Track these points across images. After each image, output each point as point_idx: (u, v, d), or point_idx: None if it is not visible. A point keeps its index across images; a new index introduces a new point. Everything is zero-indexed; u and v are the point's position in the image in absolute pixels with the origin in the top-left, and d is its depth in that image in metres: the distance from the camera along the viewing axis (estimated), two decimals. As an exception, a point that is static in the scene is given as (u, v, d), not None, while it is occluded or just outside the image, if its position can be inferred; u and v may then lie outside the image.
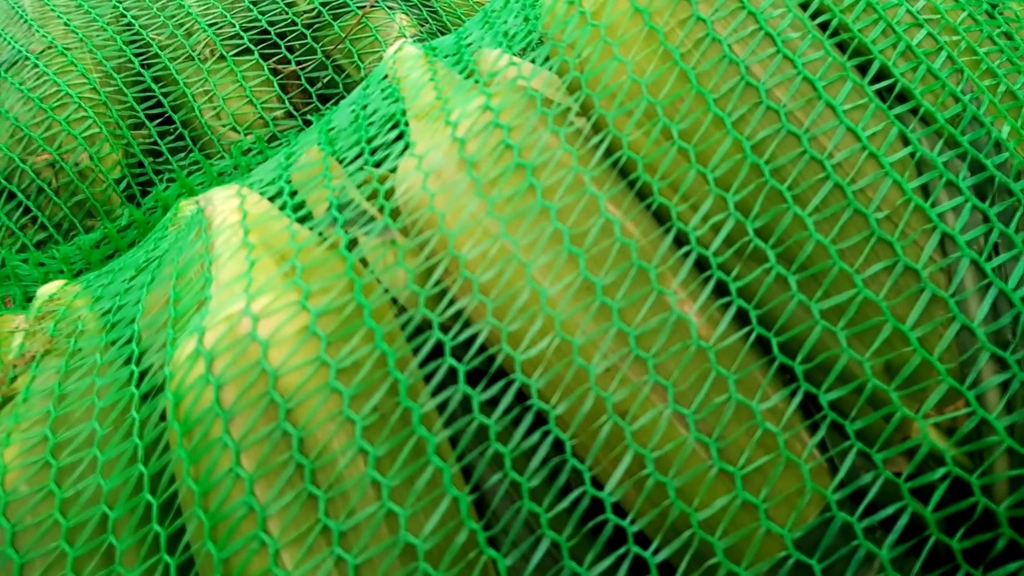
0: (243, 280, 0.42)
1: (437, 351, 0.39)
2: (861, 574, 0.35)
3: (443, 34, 0.77)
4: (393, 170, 0.46)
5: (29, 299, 0.65)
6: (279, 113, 0.70)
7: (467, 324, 0.40)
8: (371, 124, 0.51)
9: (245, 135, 0.68)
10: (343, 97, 0.70)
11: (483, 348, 0.39)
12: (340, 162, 0.49)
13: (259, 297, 0.40)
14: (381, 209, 0.44)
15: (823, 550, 0.35)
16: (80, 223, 0.67)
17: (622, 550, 0.35)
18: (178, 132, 0.70)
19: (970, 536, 0.35)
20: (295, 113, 0.70)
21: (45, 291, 0.56)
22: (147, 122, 0.69)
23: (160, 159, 0.70)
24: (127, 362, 0.45)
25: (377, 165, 0.47)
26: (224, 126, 0.68)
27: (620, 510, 0.36)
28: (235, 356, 0.38)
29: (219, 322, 0.39)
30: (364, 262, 0.42)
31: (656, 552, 0.35)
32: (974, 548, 0.35)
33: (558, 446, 0.38)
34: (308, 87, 0.70)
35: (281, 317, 0.39)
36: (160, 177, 0.68)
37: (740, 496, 0.35)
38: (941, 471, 0.35)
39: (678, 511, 0.36)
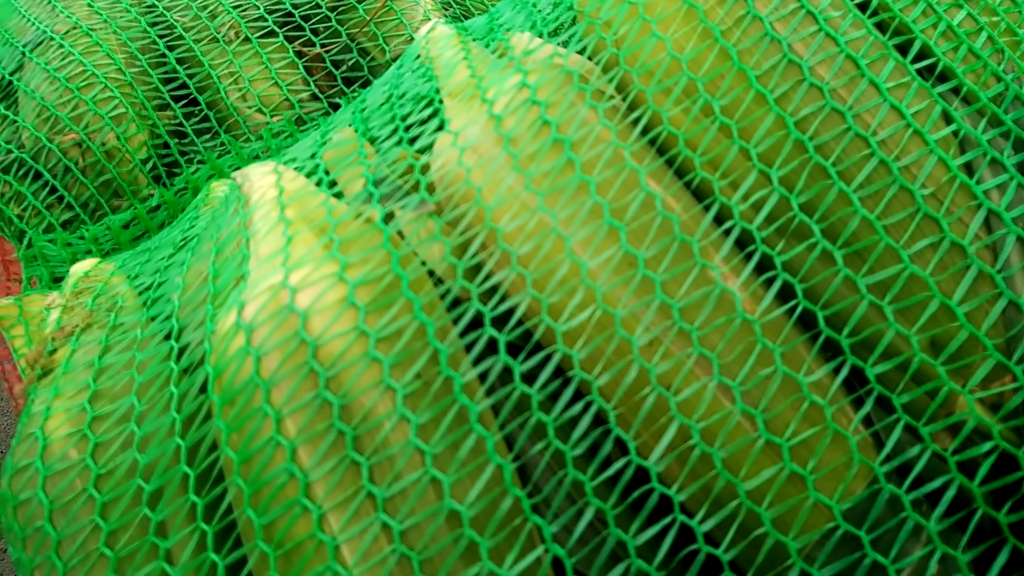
0: (281, 254, 0.41)
1: (475, 323, 0.39)
2: (909, 547, 0.34)
3: (466, 18, 0.76)
4: (428, 147, 0.46)
5: (56, 280, 0.64)
6: (304, 96, 0.70)
7: (505, 296, 0.39)
8: (405, 103, 0.50)
9: (272, 117, 0.68)
10: (368, 81, 0.70)
11: (522, 320, 0.38)
12: (374, 140, 0.49)
13: (297, 269, 0.39)
14: (417, 184, 0.44)
15: (871, 522, 0.34)
16: (107, 203, 0.66)
17: (667, 519, 0.35)
18: (203, 114, 0.69)
19: (1016, 511, 0.34)
20: (320, 96, 0.70)
21: (79, 269, 0.56)
22: (172, 103, 0.69)
23: (186, 140, 0.69)
24: (167, 337, 0.44)
25: (412, 142, 0.47)
26: (250, 108, 0.68)
27: (663, 484, 0.36)
28: (274, 327, 0.37)
29: (258, 294, 0.39)
30: (400, 235, 0.42)
31: (702, 522, 0.34)
32: (1020, 523, 0.34)
33: (599, 419, 0.37)
34: (333, 70, 0.70)
35: (320, 288, 0.38)
36: (186, 158, 0.68)
37: (787, 467, 0.35)
38: (988, 445, 0.35)
39: (724, 482, 0.35)
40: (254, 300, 0.38)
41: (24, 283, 0.67)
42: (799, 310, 0.37)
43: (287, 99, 0.68)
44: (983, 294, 0.36)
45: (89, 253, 0.64)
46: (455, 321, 0.39)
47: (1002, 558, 0.34)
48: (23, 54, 0.69)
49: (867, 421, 0.36)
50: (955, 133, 0.39)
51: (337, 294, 0.38)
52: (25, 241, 0.68)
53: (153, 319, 0.47)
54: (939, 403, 0.36)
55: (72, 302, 0.53)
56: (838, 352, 0.37)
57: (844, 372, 0.36)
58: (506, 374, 0.37)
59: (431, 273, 0.41)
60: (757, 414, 0.36)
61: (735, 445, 0.35)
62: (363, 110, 0.53)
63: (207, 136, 0.69)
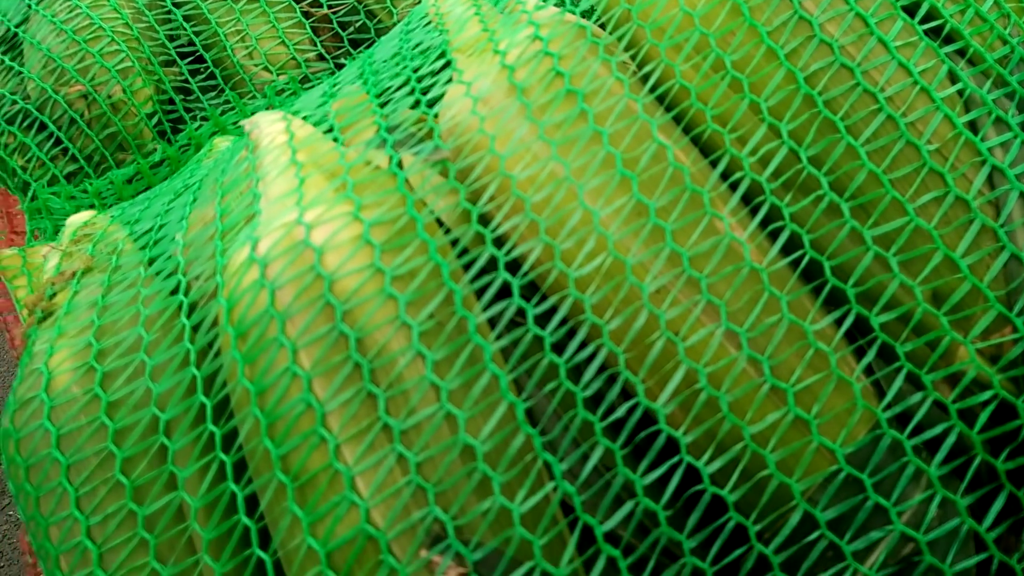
0: (294, 195, 0.41)
1: (485, 270, 0.39)
2: (909, 491, 0.34)
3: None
4: (440, 97, 0.45)
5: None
6: (311, 55, 0.69)
7: (517, 244, 0.39)
8: (415, 56, 0.50)
9: (278, 75, 0.67)
10: (374, 42, 0.69)
11: (534, 266, 0.38)
12: (385, 91, 0.48)
13: (312, 208, 0.39)
14: (430, 132, 0.43)
15: (873, 466, 0.34)
16: (111, 156, 0.65)
17: (674, 459, 0.35)
18: (209, 71, 0.68)
19: (1014, 458, 0.35)
20: (327, 56, 0.69)
21: (76, 220, 0.55)
22: (178, 60, 0.68)
23: (191, 97, 0.68)
24: (172, 273, 0.44)
25: (423, 93, 0.46)
26: (256, 65, 0.67)
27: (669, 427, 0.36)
28: (290, 261, 0.37)
29: (272, 231, 0.39)
30: (412, 183, 0.42)
31: (707, 464, 0.35)
32: (1018, 470, 0.35)
33: (605, 366, 0.37)
34: (340, 31, 0.69)
35: (335, 226, 0.38)
36: (191, 115, 0.67)
37: (792, 412, 0.35)
38: (988, 393, 0.35)
39: (730, 425, 0.35)
40: (268, 236, 0.38)
41: (27, 236, 0.66)
42: (806, 260, 0.37)
43: (293, 58, 0.68)
44: (985, 247, 0.37)
45: (92, 207, 0.63)
46: (467, 267, 0.39)
47: (999, 503, 0.34)
48: (29, 6, 0.68)
49: (868, 371, 0.37)
50: (960, 93, 0.40)
51: (352, 232, 0.38)
52: (29, 194, 0.67)
53: (155, 259, 0.46)
54: (940, 353, 0.36)
55: (71, 248, 0.52)
56: (840, 304, 0.37)
57: (848, 321, 0.37)
58: (519, 316, 0.37)
59: (439, 222, 0.41)
60: (763, 360, 0.36)
61: (741, 390, 0.35)
62: (372, 63, 0.52)
63: (212, 93, 0.68)
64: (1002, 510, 0.34)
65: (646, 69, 0.42)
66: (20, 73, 0.66)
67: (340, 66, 0.69)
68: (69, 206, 0.64)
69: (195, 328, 0.40)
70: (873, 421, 0.35)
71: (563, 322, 0.37)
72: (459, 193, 0.40)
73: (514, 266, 0.38)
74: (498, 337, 0.37)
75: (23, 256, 0.61)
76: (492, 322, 0.37)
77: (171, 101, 0.68)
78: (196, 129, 0.65)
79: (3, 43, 0.69)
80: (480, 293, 0.38)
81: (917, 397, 0.35)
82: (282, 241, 0.38)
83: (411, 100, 0.45)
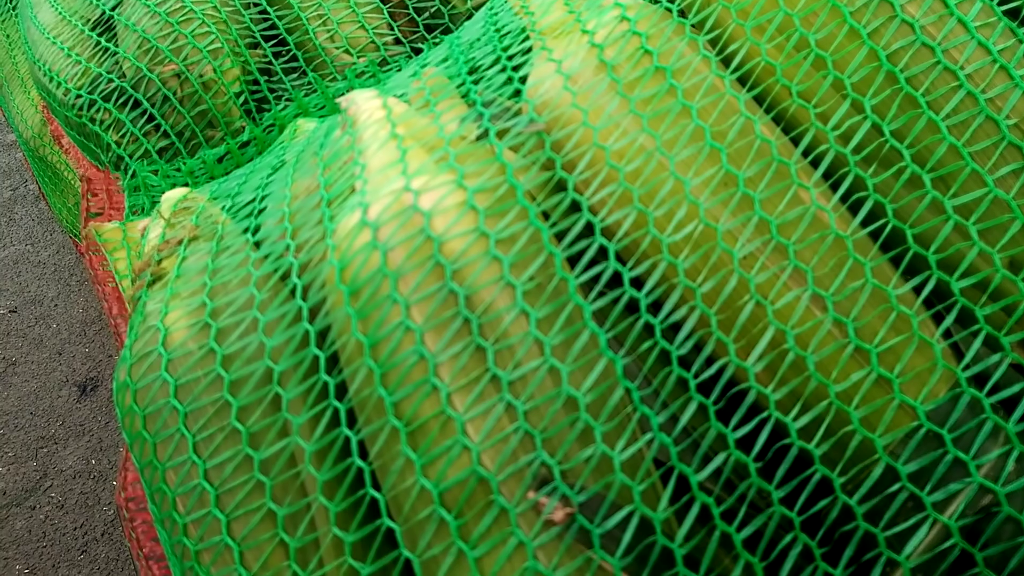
0: (398, 165, 0.42)
1: (583, 235, 0.40)
2: (987, 446, 0.35)
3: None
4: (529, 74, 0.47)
5: (156, 211, 0.65)
6: (388, 39, 0.71)
7: (611, 211, 0.40)
8: (502, 37, 0.51)
9: (358, 58, 0.69)
10: (448, 28, 0.71)
11: (627, 233, 0.39)
12: (476, 69, 0.50)
13: (417, 177, 0.41)
14: (523, 107, 0.45)
15: (952, 423, 0.35)
16: (201, 132, 0.67)
17: (763, 415, 0.36)
18: (292, 53, 0.70)
19: (1089, 417, 0.35)
20: (403, 40, 0.70)
21: (172, 195, 0.57)
22: (263, 42, 0.70)
23: (275, 78, 0.70)
24: (280, 238, 0.45)
25: (515, 70, 0.48)
26: (338, 48, 0.69)
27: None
28: (400, 224, 0.38)
29: (381, 197, 0.40)
30: (512, 151, 0.43)
31: (795, 420, 0.36)
32: (1092, 428, 0.36)
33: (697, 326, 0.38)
34: (415, 16, 0.71)
35: (441, 192, 0.39)
36: (275, 95, 0.69)
37: (875, 371, 0.36)
38: (1065, 356, 0.36)
39: (815, 384, 0.36)
40: (378, 202, 0.40)
41: (126, 211, 0.68)
42: (888, 229, 0.38)
43: (372, 41, 0.69)
44: (1064, 218, 0.37)
45: (186, 184, 0.65)
46: (562, 233, 0.40)
47: (1073, 460, 0.35)
48: (122, -9, 0.70)
49: (947, 334, 0.38)
50: (1038, 72, 0.40)
51: (457, 198, 0.39)
52: (130, 172, 0.69)
53: (260, 227, 0.48)
54: (1017, 318, 0.37)
55: (174, 220, 0.54)
56: (919, 272, 0.38)
57: (928, 288, 0.37)
58: (615, 279, 0.38)
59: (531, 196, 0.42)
60: (848, 322, 0.37)
61: (826, 351, 0.37)
62: (459, 44, 0.54)
63: (294, 75, 0.70)
64: (1077, 467, 0.35)
65: (730, 49, 0.43)
66: (115, 54, 0.68)
67: (416, 50, 0.70)
68: (165, 184, 0.66)
69: (305, 288, 0.42)
70: (953, 380, 0.36)
71: (655, 287, 0.38)
72: (555, 164, 0.41)
73: (607, 234, 0.39)
74: (595, 299, 0.38)
75: (123, 230, 0.63)
76: (588, 286, 0.39)
77: (256, 82, 0.69)
78: (281, 111, 0.67)
79: (99, 25, 0.71)
80: (576, 259, 0.39)
81: (995, 358, 0.36)
82: (392, 206, 0.39)
83: (503, 77, 0.47)
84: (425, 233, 0.38)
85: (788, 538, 0.35)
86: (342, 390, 0.39)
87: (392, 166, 0.42)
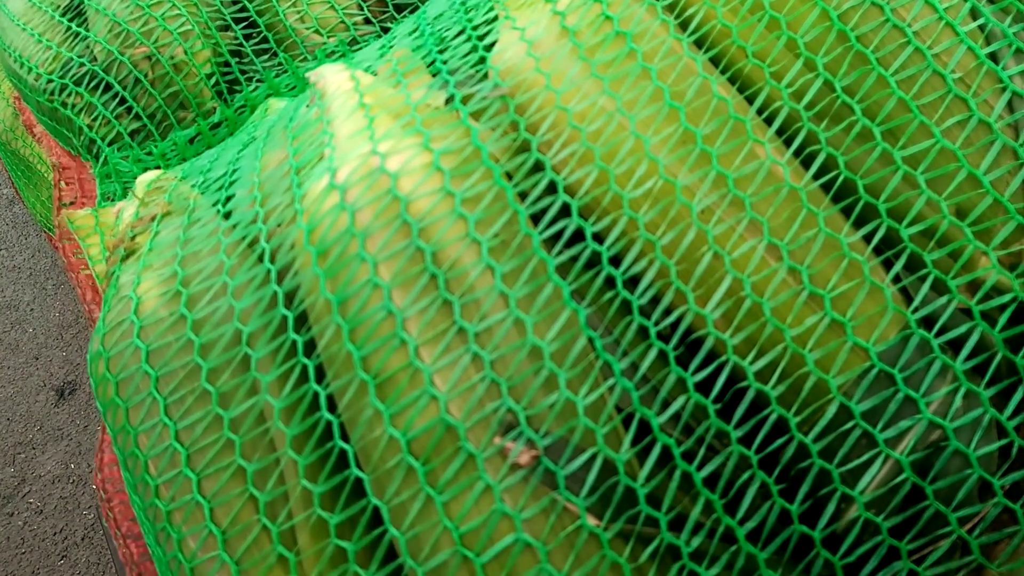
0: (365, 132, 0.44)
1: (546, 192, 0.41)
2: (936, 385, 0.37)
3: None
4: (495, 43, 0.48)
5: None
6: (358, 19, 0.72)
7: (574, 169, 0.42)
8: (468, 8, 0.53)
9: (328, 38, 0.70)
10: (417, 7, 0.72)
11: (589, 189, 0.41)
12: (442, 40, 0.51)
13: (384, 141, 0.42)
14: (487, 74, 0.46)
15: (903, 363, 0.37)
16: (172, 114, 0.68)
17: (722, 359, 0.38)
18: (263, 35, 0.71)
19: (1032, 355, 0.37)
20: (373, 20, 0.72)
21: (145, 177, 0.58)
22: (233, 24, 0.71)
23: (246, 60, 0.71)
24: (250, 206, 0.47)
25: (480, 39, 0.49)
26: (308, 29, 0.70)
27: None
28: (368, 186, 0.40)
29: (349, 161, 0.42)
30: (475, 117, 0.44)
31: (752, 363, 0.38)
32: (1036, 366, 0.38)
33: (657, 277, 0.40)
34: (385, -4, 0.72)
35: (407, 155, 0.41)
36: (246, 76, 0.70)
37: (828, 315, 0.38)
38: (1007, 297, 0.38)
39: (771, 329, 0.38)
40: (346, 165, 0.41)
41: (98, 198, 0.70)
42: (840, 180, 0.40)
43: (342, 21, 0.71)
44: (1005, 165, 0.39)
45: (158, 168, 0.66)
46: (523, 194, 0.42)
47: (1018, 395, 0.37)
48: (91, -24, 0.71)
49: (897, 279, 0.39)
50: (982, 27, 0.42)
51: (423, 159, 0.41)
52: (101, 159, 0.70)
53: (231, 197, 0.49)
54: (963, 262, 0.39)
55: (147, 199, 0.55)
56: (870, 221, 0.40)
57: (879, 235, 0.39)
58: (578, 234, 0.40)
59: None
60: (802, 270, 0.39)
61: (781, 297, 0.38)
62: (426, 17, 0.55)
63: (266, 56, 0.71)
64: (1021, 401, 0.37)
65: (687, 13, 0.45)
66: (86, 38, 0.70)
67: (386, 30, 0.72)
68: (137, 168, 0.67)
69: (274, 251, 0.43)
70: (903, 323, 0.38)
71: (615, 241, 0.40)
72: (518, 126, 0.43)
73: (570, 192, 0.41)
74: (558, 254, 0.40)
75: (95, 216, 0.65)
76: (550, 242, 0.40)
77: (227, 63, 0.71)
78: (252, 92, 0.68)
79: (69, 11, 0.72)
80: (538, 217, 0.41)
81: (942, 301, 0.38)
82: (359, 169, 0.41)
83: (468, 46, 0.48)
84: (392, 193, 0.39)
85: (746, 476, 0.36)
86: (311, 348, 0.40)
87: (360, 133, 0.44)
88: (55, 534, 1.55)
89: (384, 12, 0.73)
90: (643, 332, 0.38)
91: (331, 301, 0.39)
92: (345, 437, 0.39)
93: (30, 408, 1.75)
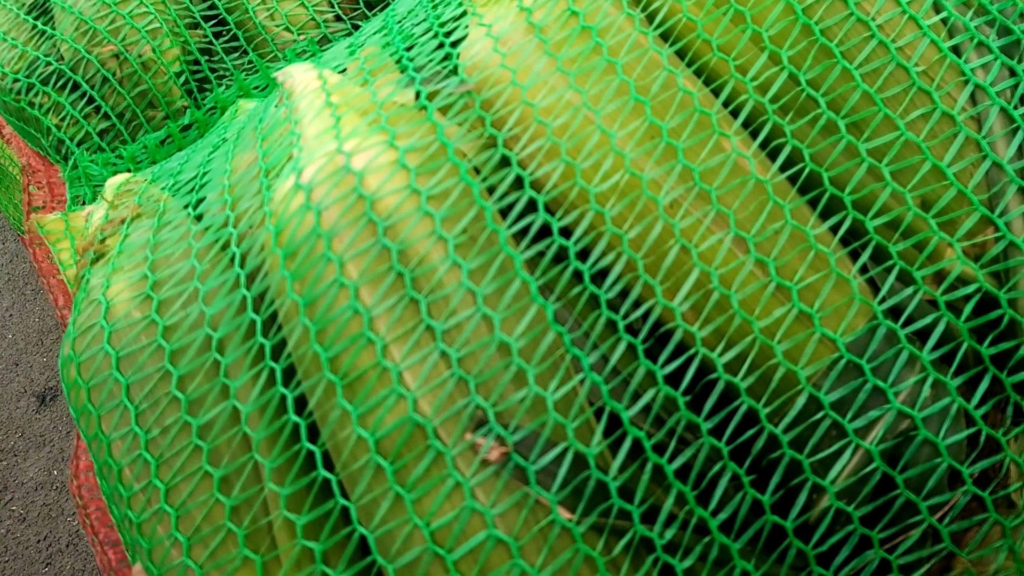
0: (332, 130, 0.43)
1: (513, 188, 0.41)
2: (904, 375, 0.37)
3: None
4: (462, 40, 0.48)
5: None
6: (329, 16, 0.71)
7: (540, 164, 0.41)
8: (436, 5, 0.52)
9: (298, 36, 0.69)
10: (388, 4, 0.72)
11: (556, 184, 0.41)
12: (410, 37, 0.51)
13: (349, 140, 0.42)
14: (454, 70, 0.46)
15: (870, 353, 0.37)
16: (142, 113, 0.68)
17: (691, 351, 0.38)
18: (232, 32, 0.70)
19: (996, 344, 0.38)
20: (343, 17, 0.71)
21: (115, 180, 0.58)
22: (202, 22, 0.70)
23: (215, 58, 0.70)
24: (220, 209, 0.46)
25: (447, 36, 0.49)
26: (278, 26, 0.69)
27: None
28: (333, 185, 0.40)
29: (314, 161, 0.41)
30: (442, 112, 0.44)
31: (720, 355, 0.38)
32: (1000, 354, 0.38)
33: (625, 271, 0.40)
34: (355, -7, 0.72)
35: (373, 152, 0.41)
36: (216, 75, 0.69)
37: (796, 307, 0.38)
38: (972, 287, 0.38)
39: (739, 321, 0.38)
40: (311, 165, 0.41)
41: (69, 202, 0.69)
42: (805, 173, 0.40)
43: (313, 19, 0.70)
44: (969, 157, 0.39)
45: (128, 171, 0.65)
46: (493, 187, 0.42)
47: (984, 384, 0.37)
48: (57, -25, 0.70)
49: (863, 270, 0.40)
50: (944, 21, 0.42)
51: (389, 157, 0.40)
52: (71, 162, 0.69)
53: (202, 200, 0.49)
54: (928, 253, 0.39)
55: (117, 201, 0.55)
56: (836, 213, 0.40)
57: (844, 227, 0.39)
58: (545, 229, 0.40)
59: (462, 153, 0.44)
60: (769, 262, 0.39)
61: (749, 289, 0.38)
62: (394, 15, 0.55)
63: (235, 54, 0.70)
64: (988, 390, 0.37)
65: (653, 7, 0.45)
66: (53, 36, 0.69)
67: (357, 27, 0.71)
68: (107, 172, 0.66)
69: (243, 256, 0.43)
70: (870, 314, 0.38)
71: (582, 236, 0.40)
72: (483, 122, 0.43)
73: (535, 188, 0.41)
74: (525, 249, 0.39)
75: (65, 220, 0.64)
76: (518, 237, 0.40)
77: (196, 62, 0.70)
78: (222, 93, 0.67)
79: (35, 9, 0.71)
80: (506, 212, 0.40)
81: (909, 291, 0.38)
82: (325, 168, 0.40)
83: (435, 43, 0.48)
84: (358, 192, 0.39)
85: (717, 467, 0.36)
86: (282, 351, 0.40)
87: (327, 132, 0.43)
88: (39, 541, 1.53)
89: (355, 9, 0.72)
90: (612, 325, 0.38)
91: (299, 302, 0.38)
92: (314, 438, 0.38)
93: (11, 415, 1.73)
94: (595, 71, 0.43)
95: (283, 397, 0.39)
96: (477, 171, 0.42)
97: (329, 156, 0.41)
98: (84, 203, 0.67)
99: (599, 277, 0.39)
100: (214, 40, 0.70)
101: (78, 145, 0.67)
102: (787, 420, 0.37)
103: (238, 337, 0.41)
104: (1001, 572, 0.37)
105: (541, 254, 0.39)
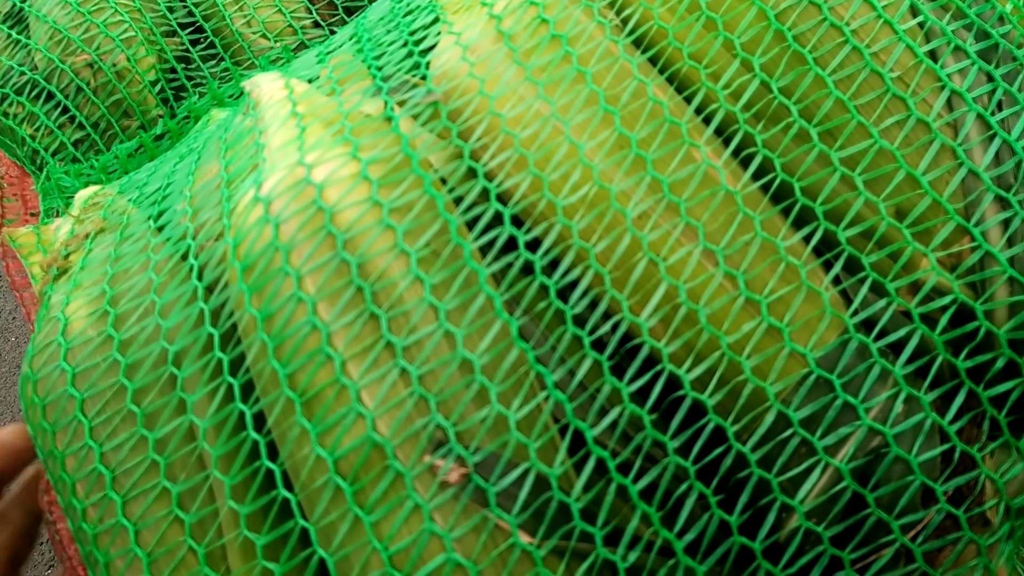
0: (296, 141, 0.43)
1: (478, 201, 0.40)
2: (876, 390, 0.36)
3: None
4: (431, 49, 0.47)
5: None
6: (307, 23, 0.71)
7: (506, 176, 0.41)
8: (407, 13, 0.52)
9: (275, 42, 0.69)
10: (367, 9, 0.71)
11: (523, 197, 0.40)
12: (379, 46, 0.50)
13: (312, 151, 0.41)
14: (423, 78, 0.45)
15: (841, 368, 0.36)
16: (117, 123, 0.67)
17: (657, 368, 0.37)
18: (209, 40, 0.70)
19: (973, 357, 0.37)
20: (322, 24, 0.71)
21: (84, 193, 0.57)
22: (178, 30, 0.70)
23: (192, 66, 0.70)
24: (180, 222, 0.45)
25: (416, 44, 0.48)
26: (255, 33, 0.68)
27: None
28: (292, 197, 0.39)
29: (274, 172, 0.40)
30: (412, 123, 0.43)
31: (687, 372, 0.37)
32: (977, 368, 0.37)
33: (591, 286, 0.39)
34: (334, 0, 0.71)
35: (334, 164, 0.40)
36: (193, 83, 0.68)
37: (765, 321, 0.37)
38: (948, 298, 0.37)
39: (708, 336, 0.37)
40: (271, 177, 0.40)
41: (42, 215, 0.68)
42: (777, 183, 0.39)
43: (290, 25, 0.69)
44: (945, 165, 0.39)
45: (100, 182, 0.65)
46: (458, 200, 0.41)
47: (960, 399, 0.36)
48: (33, -17, 0.69)
49: (836, 282, 0.39)
50: (921, 25, 0.41)
51: (350, 169, 0.39)
52: (44, 174, 0.68)
53: (163, 212, 0.48)
54: (903, 264, 0.38)
55: (83, 216, 0.54)
56: (808, 223, 0.39)
57: (816, 237, 0.38)
58: (511, 243, 0.39)
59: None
60: (738, 275, 0.38)
61: (718, 303, 0.37)
62: (364, 23, 0.54)
63: (212, 62, 0.70)
64: (963, 405, 0.36)
65: (624, 14, 0.44)
66: (27, 46, 0.68)
67: (335, 33, 0.70)
68: (79, 183, 0.66)
69: (202, 268, 0.42)
70: (841, 327, 0.37)
71: (550, 248, 0.39)
72: (451, 132, 0.42)
73: (502, 200, 0.40)
74: (491, 263, 0.39)
75: (37, 234, 0.63)
76: (484, 251, 0.39)
77: (173, 70, 0.69)
78: (196, 102, 0.67)
79: (10, 18, 0.70)
80: (472, 224, 0.40)
81: (882, 303, 0.37)
82: (285, 180, 0.39)
83: (405, 52, 0.47)
84: (317, 204, 0.38)
85: (684, 487, 0.36)
86: (240, 366, 0.39)
87: (290, 143, 0.42)
88: (41, 544, 1.53)
89: (334, 15, 0.71)
90: (580, 341, 0.37)
91: (256, 317, 0.37)
92: (274, 456, 0.38)
93: (15, 417, 1.72)
94: (565, 80, 0.42)
95: (242, 414, 0.38)
96: (444, 182, 0.41)
97: (290, 168, 0.40)
98: (58, 215, 0.66)
99: (568, 291, 0.38)
100: (191, 48, 0.69)
101: (53, 155, 0.67)
102: (755, 438, 0.36)
103: (195, 351, 0.40)
104: (977, 593, 0.36)
105: (507, 268, 0.38)
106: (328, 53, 0.53)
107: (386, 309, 0.36)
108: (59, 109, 0.66)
